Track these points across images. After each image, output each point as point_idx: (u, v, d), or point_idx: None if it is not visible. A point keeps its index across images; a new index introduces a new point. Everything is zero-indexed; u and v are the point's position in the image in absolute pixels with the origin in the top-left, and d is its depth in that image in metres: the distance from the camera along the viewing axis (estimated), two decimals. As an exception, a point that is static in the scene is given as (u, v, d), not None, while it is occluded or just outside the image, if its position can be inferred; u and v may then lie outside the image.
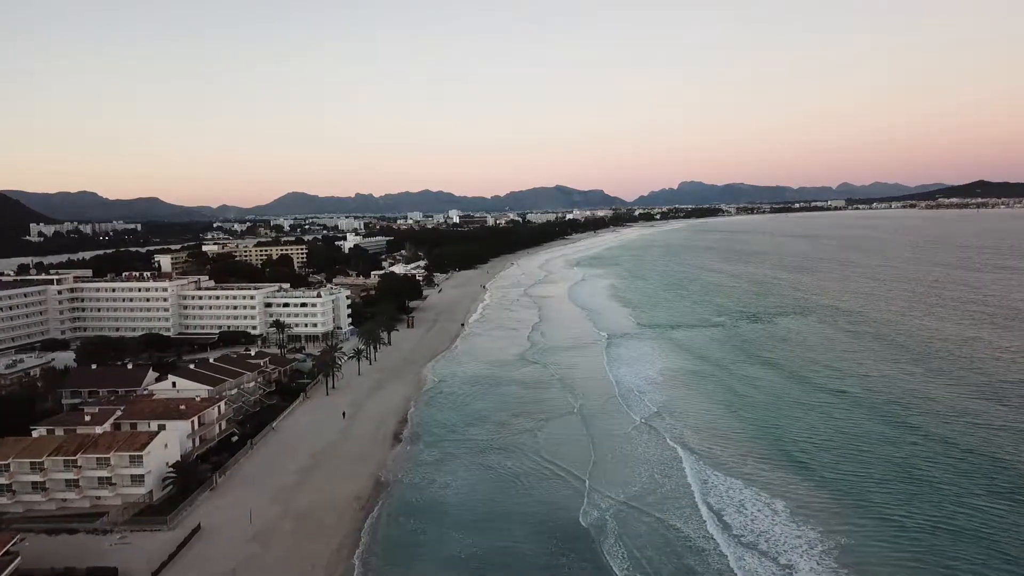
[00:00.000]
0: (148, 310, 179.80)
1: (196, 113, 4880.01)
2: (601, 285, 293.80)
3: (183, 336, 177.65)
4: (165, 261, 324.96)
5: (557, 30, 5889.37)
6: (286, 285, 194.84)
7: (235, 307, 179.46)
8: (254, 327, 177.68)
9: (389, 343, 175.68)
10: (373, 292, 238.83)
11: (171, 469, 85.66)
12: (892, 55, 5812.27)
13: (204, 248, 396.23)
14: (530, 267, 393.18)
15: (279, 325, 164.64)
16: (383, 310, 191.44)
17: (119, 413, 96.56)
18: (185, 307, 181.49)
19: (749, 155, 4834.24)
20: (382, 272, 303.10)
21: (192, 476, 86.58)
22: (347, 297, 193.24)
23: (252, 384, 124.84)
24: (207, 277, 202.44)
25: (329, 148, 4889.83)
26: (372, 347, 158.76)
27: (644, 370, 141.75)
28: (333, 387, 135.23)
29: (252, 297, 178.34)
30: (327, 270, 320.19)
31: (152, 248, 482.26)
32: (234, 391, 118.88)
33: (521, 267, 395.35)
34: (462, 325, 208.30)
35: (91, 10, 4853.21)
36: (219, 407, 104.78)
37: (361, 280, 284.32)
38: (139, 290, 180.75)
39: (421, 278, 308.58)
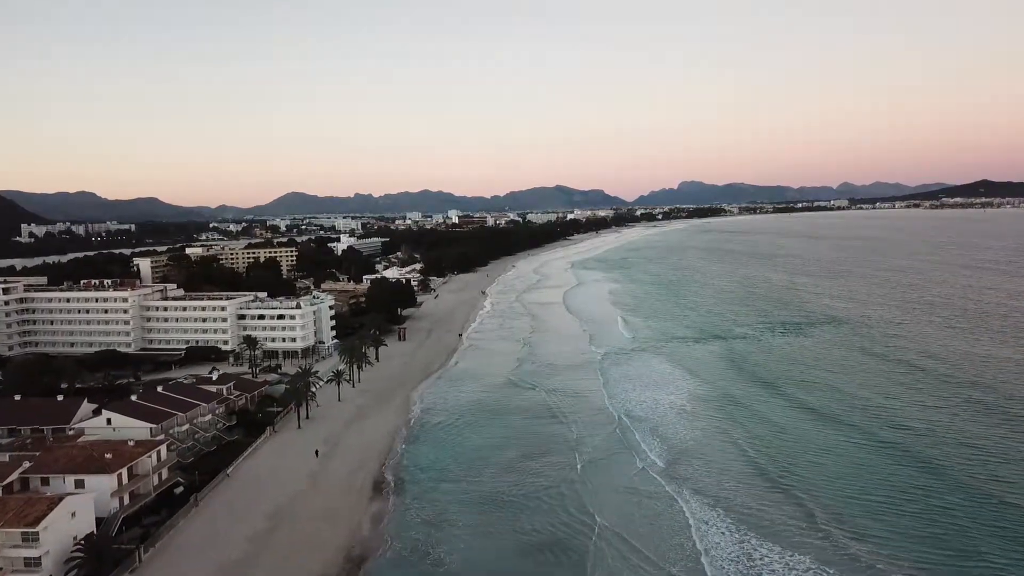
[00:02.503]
0: (106, 323, 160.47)
1: (196, 113, 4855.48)
2: (607, 292, 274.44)
3: (145, 352, 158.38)
4: (144, 265, 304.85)
5: (557, 30, 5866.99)
6: (263, 294, 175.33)
7: (204, 319, 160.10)
8: (225, 342, 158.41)
9: (377, 359, 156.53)
10: (363, 300, 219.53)
11: (79, 545, 66.24)
12: (892, 55, 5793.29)
13: (188, 251, 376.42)
14: (531, 270, 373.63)
15: (250, 341, 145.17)
16: (371, 322, 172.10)
17: (27, 465, 77.20)
18: (148, 319, 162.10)
19: (749, 155, 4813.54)
20: (374, 277, 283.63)
21: (107, 553, 67.18)
22: (331, 307, 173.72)
23: (209, 417, 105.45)
24: (175, 285, 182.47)
25: (329, 148, 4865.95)
26: (356, 366, 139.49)
27: (661, 398, 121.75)
28: (307, 417, 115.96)
29: (223, 308, 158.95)
30: (316, 274, 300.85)
31: (136, 250, 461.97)
32: (184, 427, 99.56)
33: (522, 270, 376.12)
34: (459, 336, 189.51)
35: (91, 8, 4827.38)
36: (159, 452, 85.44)
37: (351, 286, 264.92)
38: (96, 300, 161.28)
39: (416, 283, 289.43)
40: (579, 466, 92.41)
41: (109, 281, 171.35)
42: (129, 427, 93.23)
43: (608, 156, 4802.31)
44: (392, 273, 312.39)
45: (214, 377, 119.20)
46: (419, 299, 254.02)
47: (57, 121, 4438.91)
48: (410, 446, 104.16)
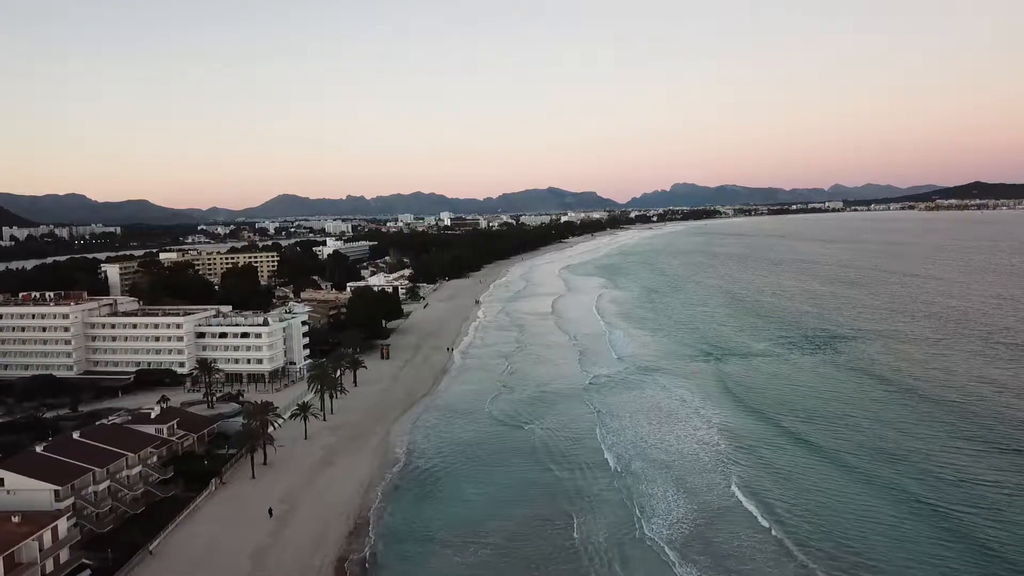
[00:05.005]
0: (44, 342, 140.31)
1: (189, 114, 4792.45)
2: (608, 302, 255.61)
3: (90, 377, 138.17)
4: (112, 272, 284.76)
5: (551, 32, 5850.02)
6: (227, 308, 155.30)
7: (157, 338, 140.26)
8: (181, 364, 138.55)
9: (355, 383, 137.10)
10: (344, 311, 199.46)
11: None
12: (885, 57, 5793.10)
13: (163, 256, 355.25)
14: (527, 276, 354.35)
15: (205, 365, 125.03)
16: (349, 339, 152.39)
17: None
18: (94, 338, 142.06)
19: (742, 157, 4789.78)
20: (358, 284, 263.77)
21: None
22: (305, 323, 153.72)
23: (138, 469, 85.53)
24: (131, 298, 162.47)
25: (321, 150, 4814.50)
26: (329, 395, 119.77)
27: (662, 442, 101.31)
28: (264, 462, 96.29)
29: (179, 326, 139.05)
30: (298, 281, 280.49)
31: (112, 255, 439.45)
32: (104, 485, 79.74)
33: (518, 276, 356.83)
34: (448, 350, 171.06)
35: (83, 10, 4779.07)
36: (55, 529, 65.80)
37: (334, 294, 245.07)
38: (33, 316, 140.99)
39: (404, 290, 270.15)
40: (582, 540, 72.91)
41: (51, 294, 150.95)
42: (28, 489, 73.58)
43: (601, 158, 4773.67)
44: (378, 280, 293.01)
45: (153, 414, 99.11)
46: (407, 308, 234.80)
47: (48, 122, 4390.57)
48: (388, 503, 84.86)
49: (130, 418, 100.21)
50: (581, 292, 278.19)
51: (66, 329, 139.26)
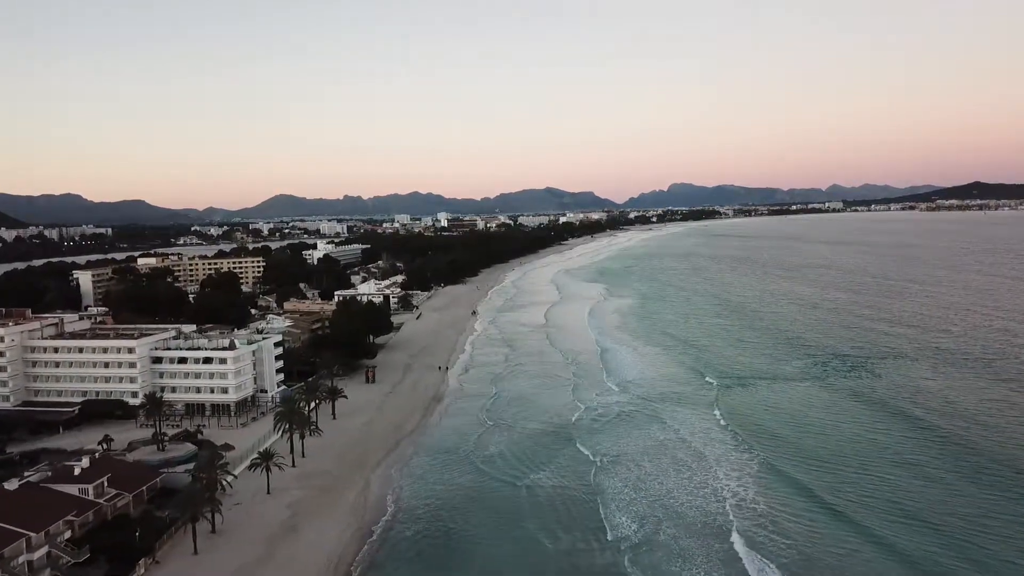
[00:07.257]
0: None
1: (185, 114, 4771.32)
2: (611, 311, 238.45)
3: (29, 409, 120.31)
4: (85, 279, 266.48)
5: (550, 32, 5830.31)
6: (189, 327, 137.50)
7: (107, 364, 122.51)
8: (134, 393, 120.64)
9: (333, 415, 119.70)
10: (328, 325, 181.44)
11: None
12: (882, 57, 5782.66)
13: (142, 261, 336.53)
14: (525, 283, 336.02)
15: (154, 400, 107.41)
16: (327, 362, 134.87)
17: None
18: (34, 364, 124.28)
19: (739, 157, 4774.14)
20: (346, 294, 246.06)
21: None
22: (279, 344, 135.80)
23: (43, 552, 67.74)
24: (103, 307, 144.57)
25: (319, 150, 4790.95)
26: (298, 435, 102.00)
27: (678, 511, 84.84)
28: (213, 530, 78.61)
29: (131, 350, 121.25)
30: (282, 289, 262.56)
31: (94, 259, 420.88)
32: (-8, 578, 62.08)
33: (516, 282, 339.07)
34: (442, 370, 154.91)
35: (81, 10, 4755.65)
36: None
37: (319, 305, 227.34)
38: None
39: (396, 299, 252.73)
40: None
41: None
42: None
43: (598, 158, 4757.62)
44: (369, 288, 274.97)
45: (78, 469, 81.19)
46: (399, 319, 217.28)
47: (45, 123, 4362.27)
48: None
49: (50, 474, 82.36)
50: (589, 300, 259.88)
51: (1, 355, 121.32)
